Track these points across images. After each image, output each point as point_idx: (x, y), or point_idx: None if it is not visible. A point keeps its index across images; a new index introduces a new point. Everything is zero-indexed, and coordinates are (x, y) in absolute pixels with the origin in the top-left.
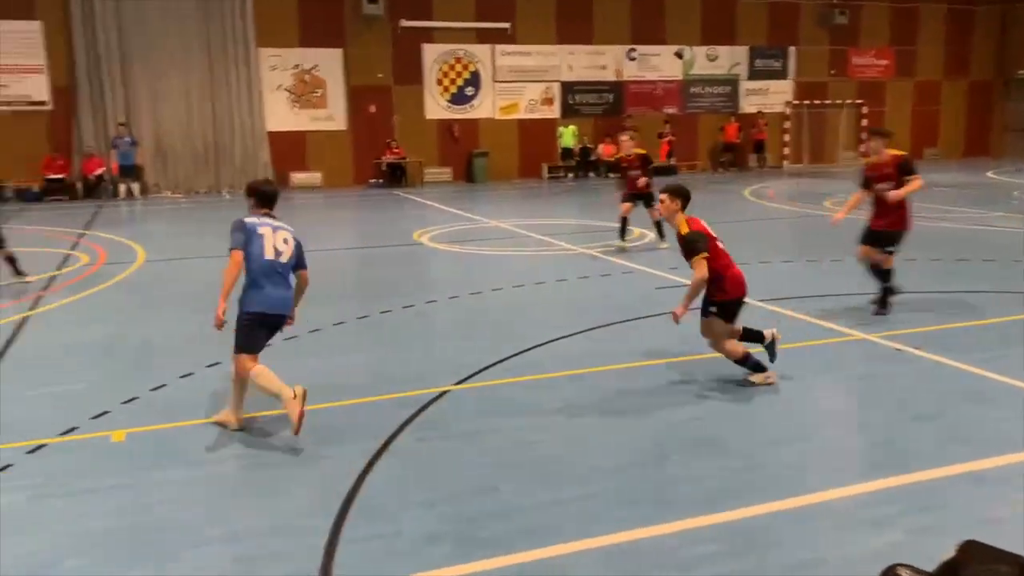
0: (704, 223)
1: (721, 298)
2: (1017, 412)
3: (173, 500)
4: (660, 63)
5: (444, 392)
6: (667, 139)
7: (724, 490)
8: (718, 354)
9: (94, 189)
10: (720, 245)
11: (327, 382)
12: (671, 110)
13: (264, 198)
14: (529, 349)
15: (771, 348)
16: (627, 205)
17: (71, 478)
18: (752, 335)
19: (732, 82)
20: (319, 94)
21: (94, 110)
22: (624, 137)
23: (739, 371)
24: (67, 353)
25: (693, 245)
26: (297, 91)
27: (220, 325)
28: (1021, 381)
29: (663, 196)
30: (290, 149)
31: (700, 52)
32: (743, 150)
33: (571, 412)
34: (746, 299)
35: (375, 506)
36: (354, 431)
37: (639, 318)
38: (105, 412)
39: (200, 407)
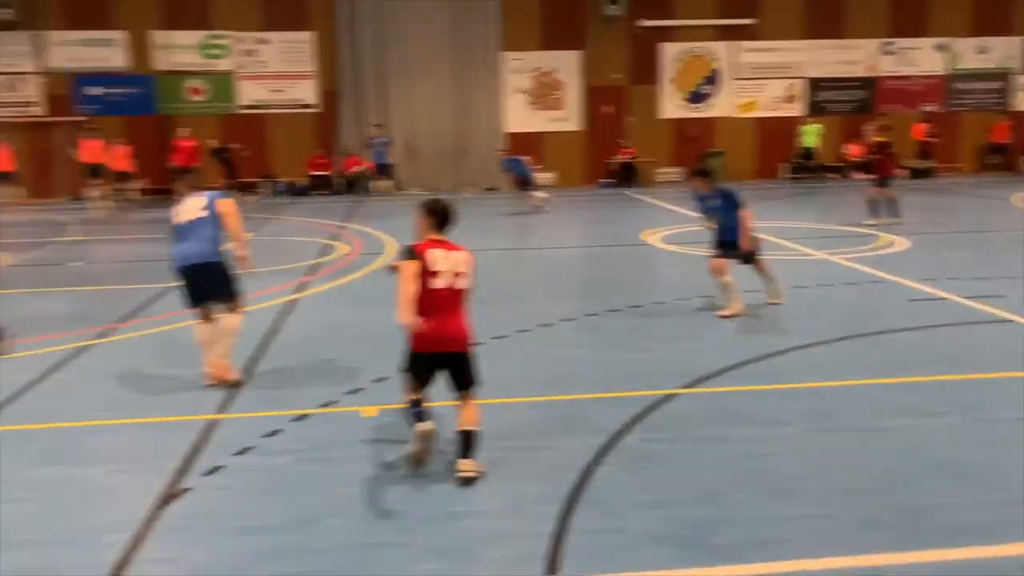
0: (438, 253)
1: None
2: None
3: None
4: (920, 57)
5: (671, 395)
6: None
7: (978, 523)
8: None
9: (353, 185)
10: (439, 285)
11: (554, 375)
12: (931, 107)
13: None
14: (763, 357)
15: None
16: (875, 189)
17: (327, 447)
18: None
19: (1004, 76)
20: (556, 96)
21: (355, 113)
22: (868, 127)
23: (993, 398)
24: (326, 333)
25: (404, 253)
26: (536, 93)
27: None
28: None
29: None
30: (528, 149)
31: (968, 44)
32: (1015, 151)
33: (808, 426)
34: (427, 354)
35: (602, 500)
36: (580, 426)
37: (888, 331)
38: (359, 389)
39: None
